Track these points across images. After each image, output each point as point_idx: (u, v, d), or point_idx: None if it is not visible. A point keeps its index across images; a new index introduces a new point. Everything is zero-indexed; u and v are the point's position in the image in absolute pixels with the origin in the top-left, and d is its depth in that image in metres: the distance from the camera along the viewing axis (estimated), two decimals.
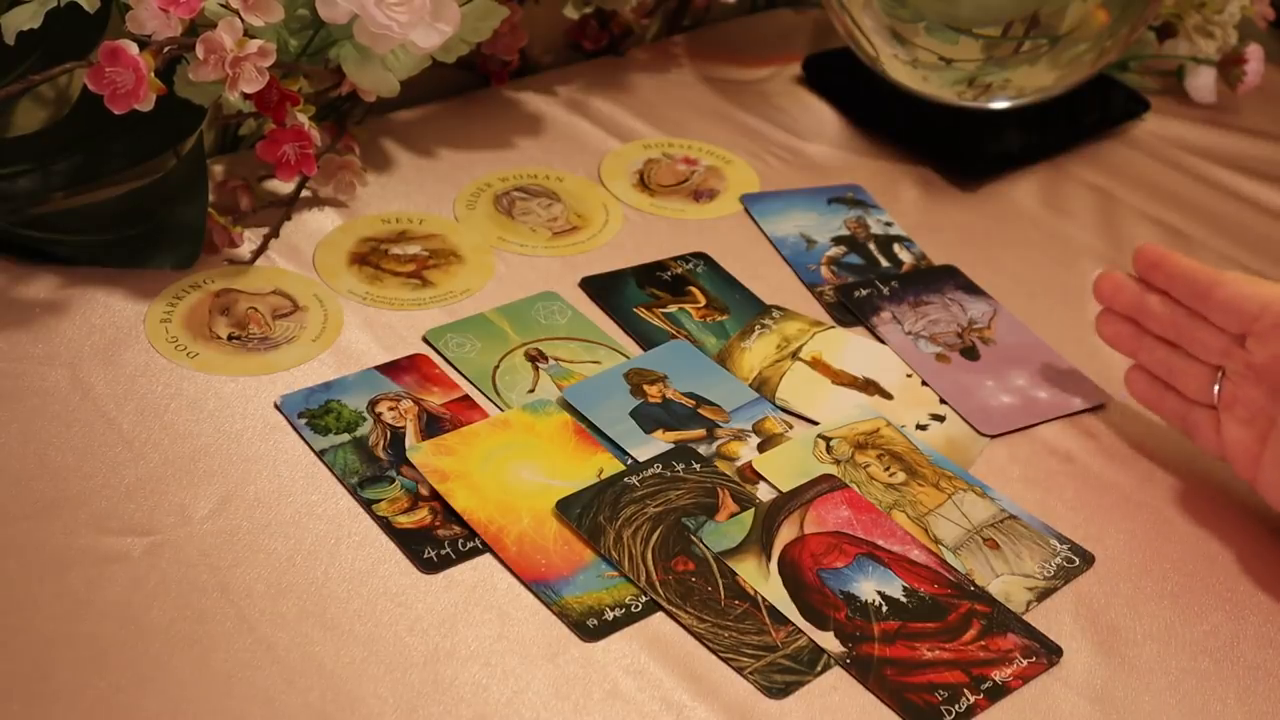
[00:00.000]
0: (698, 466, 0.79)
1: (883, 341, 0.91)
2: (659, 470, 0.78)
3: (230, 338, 0.84)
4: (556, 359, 0.86)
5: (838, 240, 0.99)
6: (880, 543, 0.76)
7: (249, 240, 0.91)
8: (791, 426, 0.83)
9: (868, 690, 0.69)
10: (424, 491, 0.76)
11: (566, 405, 0.82)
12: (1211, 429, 0.79)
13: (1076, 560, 0.77)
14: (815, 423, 0.84)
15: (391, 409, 0.81)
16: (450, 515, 0.75)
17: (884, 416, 0.84)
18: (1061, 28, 1.06)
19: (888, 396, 0.87)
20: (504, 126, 1.06)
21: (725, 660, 0.70)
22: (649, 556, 0.74)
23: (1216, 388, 0.79)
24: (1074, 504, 0.81)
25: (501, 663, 0.69)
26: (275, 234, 0.91)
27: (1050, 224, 1.03)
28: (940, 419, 0.85)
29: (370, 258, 0.92)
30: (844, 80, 1.13)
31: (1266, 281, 0.77)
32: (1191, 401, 0.80)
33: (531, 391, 0.84)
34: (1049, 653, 0.72)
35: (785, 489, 0.78)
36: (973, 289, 0.96)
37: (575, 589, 0.72)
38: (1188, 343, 0.80)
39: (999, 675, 0.70)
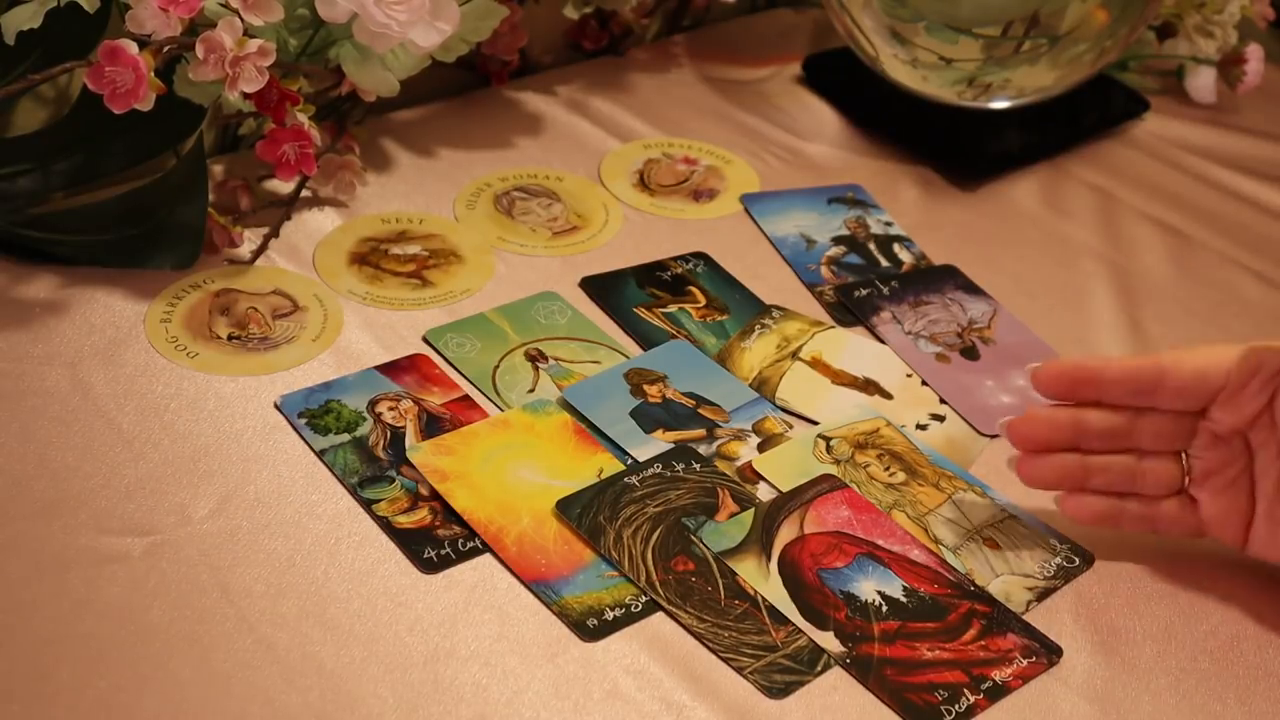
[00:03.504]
0: (698, 466, 0.79)
1: (883, 341, 0.90)
2: (659, 470, 0.78)
3: (230, 338, 0.84)
4: (556, 359, 0.86)
5: (838, 240, 0.99)
6: (880, 543, 0.76)
7: (249, 240, 0.91)
8: (791, 426, 0.83)
9: (868, 690, 0.69)
10: (424, 491, 0.76)
11: (566, 405, 0.82)
12: (1186, 513, 0.75)
13: (1076, 560, 0.77)
14: (815, 423, 0.84)
15: (391, 409, 0.81)
16: (450, 515, 0.75)
17: (884, 416, 0.84)
18: (1061, 28, 1.06)
19: (888, 396, 0.87)
20: (504, 126, 1.06)
21: (725, 660, 0.70)
22: (649, 556, 0.74)
23: (1185, 472, 0.75)
24: None
25: (501, 663, 0.69)
26: (275, 234, 0.91)
27: (1050, 224, 1.03)
28: (940, 419, 0.85)
29: (370, 258, 0.92)
30: (844, 80, 1.13)
31: (1211, 347, 0.73)
32: (1157, 498, 0.76)
33: (531, 391, 0.84)
34: (1049, 653, 0.72)
35: (785, 489, 0.78)
36: (973, 289, 0.96)
37: (575, 589, 0.72)
38: (1139, 441, 0.75)
39: (999, 675, 0.70)
